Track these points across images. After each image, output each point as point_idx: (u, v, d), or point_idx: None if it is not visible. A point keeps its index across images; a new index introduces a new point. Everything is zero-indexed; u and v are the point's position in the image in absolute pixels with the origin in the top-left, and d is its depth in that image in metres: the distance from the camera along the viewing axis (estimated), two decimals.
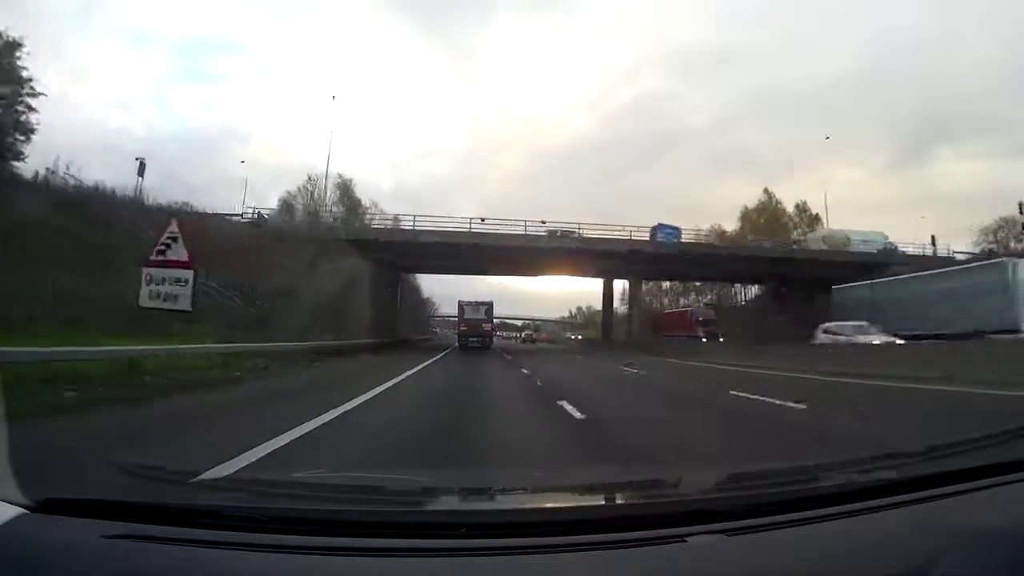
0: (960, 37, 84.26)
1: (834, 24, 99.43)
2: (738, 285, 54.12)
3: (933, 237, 39.21)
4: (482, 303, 38.95)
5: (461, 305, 38.98)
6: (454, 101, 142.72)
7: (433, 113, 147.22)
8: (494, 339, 42.44)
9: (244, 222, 30.83)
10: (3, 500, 1.12)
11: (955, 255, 36.36)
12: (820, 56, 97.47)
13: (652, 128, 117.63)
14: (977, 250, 40.51)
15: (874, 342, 17.72)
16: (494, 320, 41.05)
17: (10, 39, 21.28)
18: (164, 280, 12.88)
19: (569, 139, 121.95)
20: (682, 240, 35.61)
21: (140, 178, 28.10)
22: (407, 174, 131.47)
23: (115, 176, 57.09)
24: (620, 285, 54.13)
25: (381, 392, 9.69)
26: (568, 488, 1.90)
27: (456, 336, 40.66)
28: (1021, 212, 38.29)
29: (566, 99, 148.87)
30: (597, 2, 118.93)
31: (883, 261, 32.48)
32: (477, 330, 37.28)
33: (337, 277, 26.30)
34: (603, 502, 1.62)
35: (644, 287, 54.00)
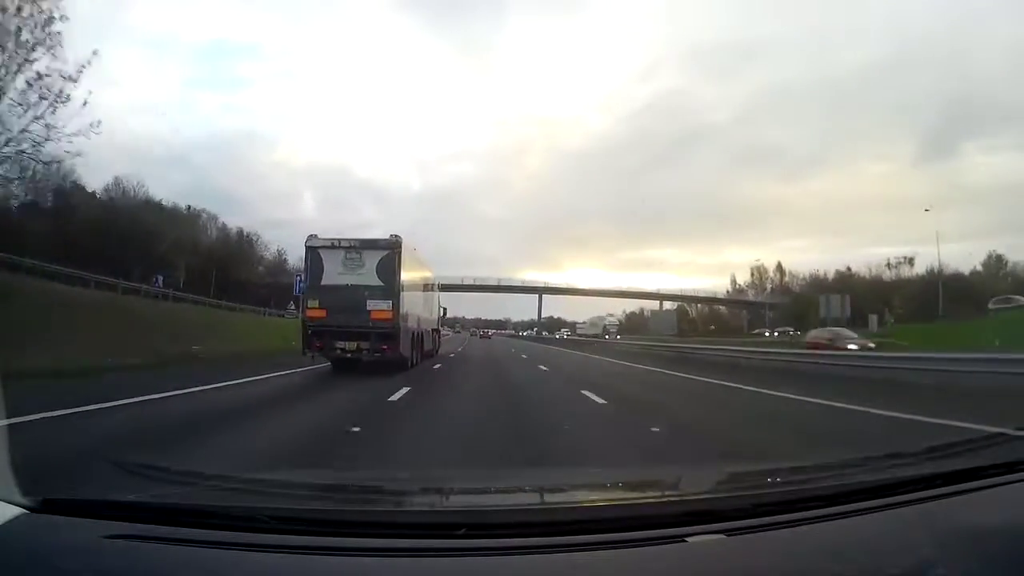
0: (983, 20, 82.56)
1: (854, 12, 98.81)
2: None
3: None
4: (370, 245, 13.48)
5: (313, 252, 13.38)
6: (477, 104, 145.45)
7: (457, 116, 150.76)
8: (432, 341, 19.84)
9: None
10: (3, 500, 1.12)
11: None
12: (839, 47, 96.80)
13: (671, 125, 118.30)
14: None
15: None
16: (402, 291, 13.28)
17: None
18: None
19: (590, 138, 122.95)
20: None
21: None
22: (435, 177, 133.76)
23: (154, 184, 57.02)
24: None
25: None
26: (568, 488, 1.90)
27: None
28: None
29: (586, 98, 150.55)
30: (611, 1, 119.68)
31: None
32: (355, 319, 12.85)
33: None
34: (603, 502, 1.61)
35: None
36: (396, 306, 12.79)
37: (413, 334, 14.56)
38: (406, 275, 13.53)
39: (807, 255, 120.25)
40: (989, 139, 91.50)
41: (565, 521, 1.24)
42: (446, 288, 39.54)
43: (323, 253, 13.07)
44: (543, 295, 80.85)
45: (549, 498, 1.76)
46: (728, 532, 1.12)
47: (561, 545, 1.08)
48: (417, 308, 15.61)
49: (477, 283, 73.63)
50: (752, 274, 68.80)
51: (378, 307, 12.69)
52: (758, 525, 1.15)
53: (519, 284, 79.20)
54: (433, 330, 20.25)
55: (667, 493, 1.67)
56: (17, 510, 1.11)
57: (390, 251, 13.21)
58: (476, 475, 2.66)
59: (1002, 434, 2.40)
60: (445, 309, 25.51)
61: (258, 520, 1.12)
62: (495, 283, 77.07)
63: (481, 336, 73.96)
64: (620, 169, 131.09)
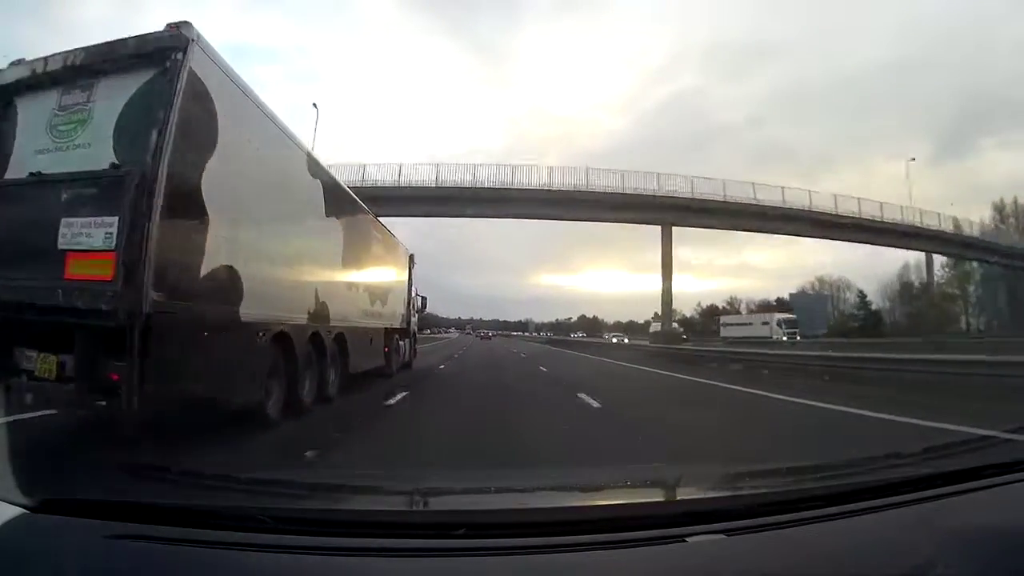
0: (993, 19, 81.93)
1: (864, 12, 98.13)
2: None
3: None
4: (112, 60, 4.05)
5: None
6: (493, 105, 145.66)
7: (473, 117, 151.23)
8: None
9: None
10: (3, 500, 1.12)
11: None
12: (852, 46, 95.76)
13: (687, 125, 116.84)
14: None
15: None
16: (192, 190, 4.03)
17: None
18: None
19: (606, 139, 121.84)
20: None
21: None
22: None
23: None
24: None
25: None
26: (568, 488, 1.90)
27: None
28: None
29: (602, 99, 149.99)
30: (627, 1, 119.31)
31: None
32: (34, 279, 3.73)
33: None
34: (603, 502, 1.62)
35: None
36: (143, 234, 3.69)
37: (288, 342, 5.83)
38: (225, 145, 4.53)
39: (825, 256, 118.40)
40: (1005, 135, 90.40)
41: (565, 521, 1.24)
42: (408, 205, 25.45)
43: (21, 102, 4.49)
44: (671, 227, 34.62)
45: (549, 498, 1.76)
46: (728, 532, 1.12)
47: (561, 545, 1.07)
48: (299, 268, 6.46)
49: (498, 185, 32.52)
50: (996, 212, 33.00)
51: (83, 239, 3.78)
52: (758, 525, 1.15)
53: (598, 191, 33.30)
54: (389, 331, 11.22)
55: (667, 493, 1.67)
56: (17, 510, 1.11)
57: (159, 72, 4.08)
58: (476, 475, 2.66)
59: (991, 436, 2.40)
60: (424, 299, 16.00)
61: (258, 520, 1.12)
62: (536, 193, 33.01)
63: (481, 338, 72.48)
64: (638, 169, 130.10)
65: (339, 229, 7.96)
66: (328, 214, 7.46)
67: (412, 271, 14.13)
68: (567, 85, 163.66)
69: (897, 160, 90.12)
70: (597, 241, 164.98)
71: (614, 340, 49.67)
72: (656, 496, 1.62)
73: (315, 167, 7.09)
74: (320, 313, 6.96)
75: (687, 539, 1.09)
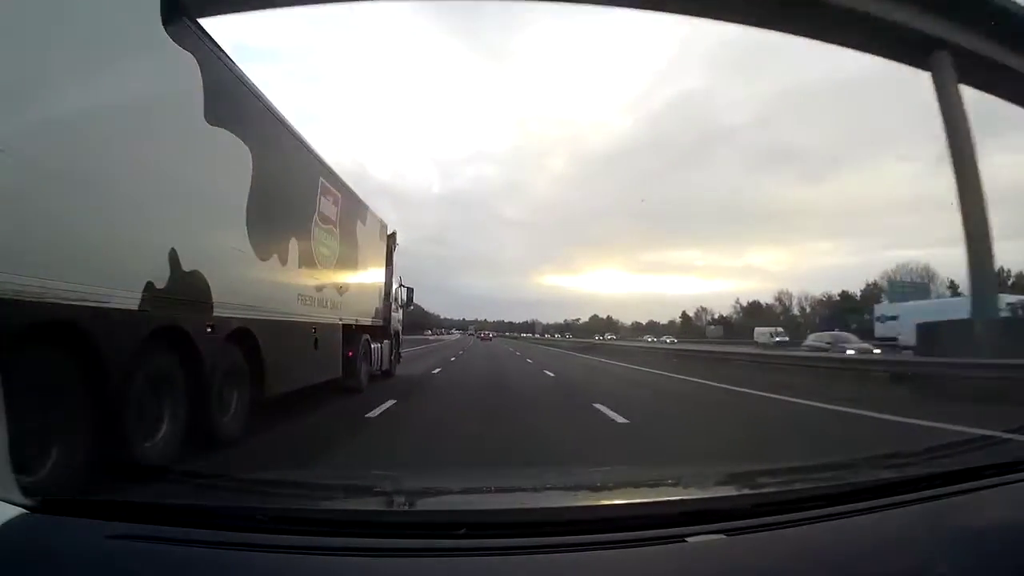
0: None
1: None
2: None
3: None
4: None
5: None
6: (499, 106, 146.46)
7: (478, 118, 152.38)
8: None
9: None
10: (3, 500, 1.12)
11: None
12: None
13: (693, 126, 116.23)
14: None
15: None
16: None
17: None
18: None
19: (612, 140, 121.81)
20: None
21: None
22: (455, 179, 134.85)
23: None
24: None
25: None
26: (568, 488, 1.90)
27: None
28: None
29: (607, 100, 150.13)
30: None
31: None
32: None
33: None
34: (603, 502, 1.62)
35: None
36: None
37: (88, 342, 3.13)
38: None
39: (832, 258, 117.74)
40: (1008, 138, 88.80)
41: (565, 521, 1.24)
42: None
43: None
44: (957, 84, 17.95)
45: (549, 498, 1.76)
46: (728, 532, 1.12)
47: (561, 545, 1.07)
48: (118, 203, 3.51)
49: None
50: None
51: None
52: (758, 525, 1.15)
53: None
54: (356, 329, 8.88)
55: (667, 493, 1.67)
56: (17, 510, 1.11)
57: None
58: (476, 475, 2.66)
59: (991, 436, 2.41)
60: (411, 290, 13.95)
61: (258, 520, 1.12)
62: None
63: (481, 339, 71.34)
64: (642, 171, 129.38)
65: (239, 154, 4.92)
66: (212, 120, 4.47)
67: (393, 253, 11.36)
68: (573, 85, 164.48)
69: (907, 161, 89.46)
70: (596, 244, 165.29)
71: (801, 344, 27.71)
72: (656, 496, 1.62)
73: (181, 30, 4.07)
74: (184, 290, 4.11)
75: (687, 539, 1.09)
